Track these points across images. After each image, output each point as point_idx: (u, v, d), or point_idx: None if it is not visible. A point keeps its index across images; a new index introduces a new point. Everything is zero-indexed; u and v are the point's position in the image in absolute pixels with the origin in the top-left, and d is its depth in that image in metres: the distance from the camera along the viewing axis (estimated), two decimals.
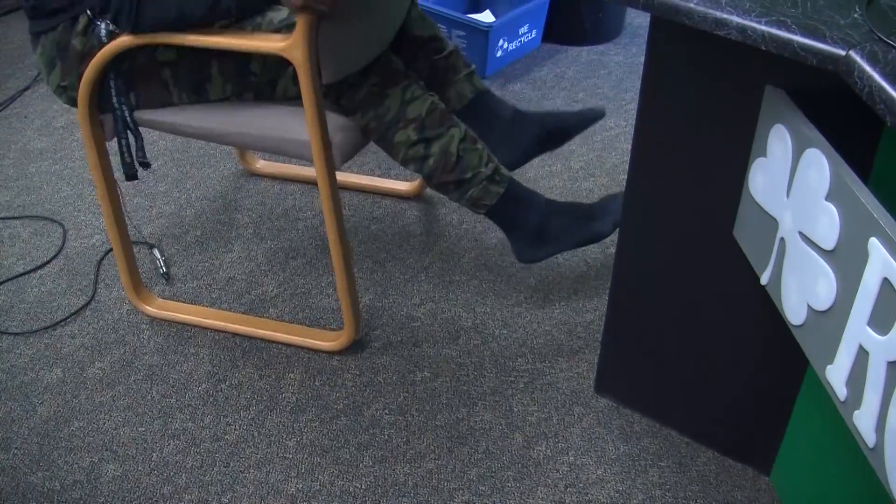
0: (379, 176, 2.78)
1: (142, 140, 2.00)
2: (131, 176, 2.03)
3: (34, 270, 2.43)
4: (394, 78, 1.97)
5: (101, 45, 1.85)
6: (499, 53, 3.32)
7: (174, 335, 2.22)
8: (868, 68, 1.17)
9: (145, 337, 2.22)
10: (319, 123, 1.84)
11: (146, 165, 2.02)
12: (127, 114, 1.96)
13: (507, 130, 2.17)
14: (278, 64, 1.92)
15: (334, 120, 1.96)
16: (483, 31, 3.21)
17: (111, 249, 2.46)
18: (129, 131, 1.97)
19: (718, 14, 1.35)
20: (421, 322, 2.27)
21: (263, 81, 1.95)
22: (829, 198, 1.27)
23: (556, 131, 2.19)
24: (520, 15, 3.33)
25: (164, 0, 1.74)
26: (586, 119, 2.21)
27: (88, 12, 1.89)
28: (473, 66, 2.21)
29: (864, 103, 1.20)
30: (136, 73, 1.93)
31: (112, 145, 2.03)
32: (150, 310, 2.26)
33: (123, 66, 1.92)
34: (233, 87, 1.96)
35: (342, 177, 2.74)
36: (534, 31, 3.48)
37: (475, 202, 2.03)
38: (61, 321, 2.27)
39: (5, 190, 2.74)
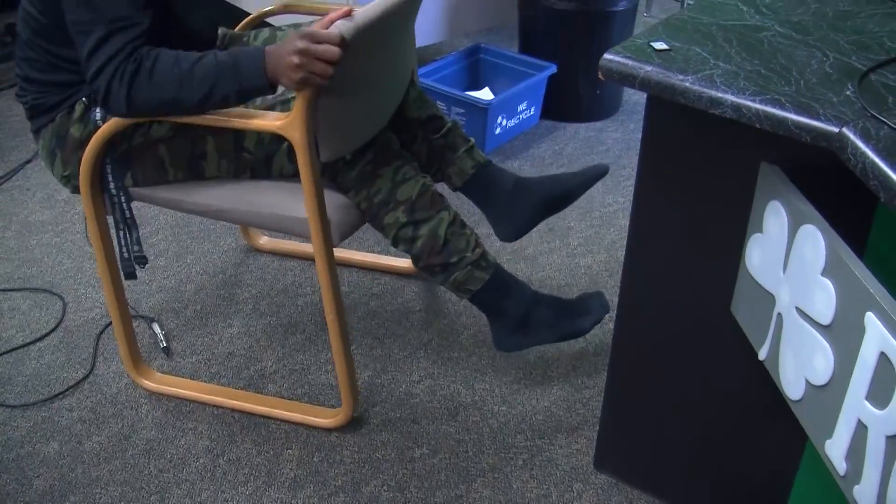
0: (378, 252, 2.79)
1: (137, 232, 2.02)
2: (130, 275, 2.05)
3: (33, 342, 2.43)
4: (387, 157, 1.98)
5: (98, 129, 1.88)
6: (498, 130, 3.36)
7: (172, 410, 2.22)
8: (861, 145, 1.19)
9: (143, 411, 2.21)
10: (317, 202, 1.85)
11: (142, 261, 2.03)
12: (124, 204, 1.98)
13: (509, 202, 2.17)
14: (272, 140, 1.94)
15: (333, 198, 1.97)
16: (482, 109, 3.25)
17: (111, 323, 2.46)
18: (126, 223, 2.00)
19: (713, 93, 1.37)
20: (420, 398, 2.26)
21: (259, 159, 1.97)
22: (825, 273, 1.28)
23: (558, 196, 2.17)
24: (519, 92, 3.37)
25: (158, 84, 1.74)
26: (588, 179, 2.18)
27: (84, 100, 1.92)
28: (472, 141, 2.23)
29: (858, 179, 1.21)
30: (133, 153, 1.95)
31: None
32: (148, 384, 2.26)
33: (120, 148, 1.94)
34: (228, 164, 1.98)
35: (341, 253, 2.75)
36: (532, 108, 3.52)
37: (459, 286, 2.03)
38: (59, 394, 2.26)
39: (6, 262, 2.75)
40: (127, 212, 1.99)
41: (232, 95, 1.75)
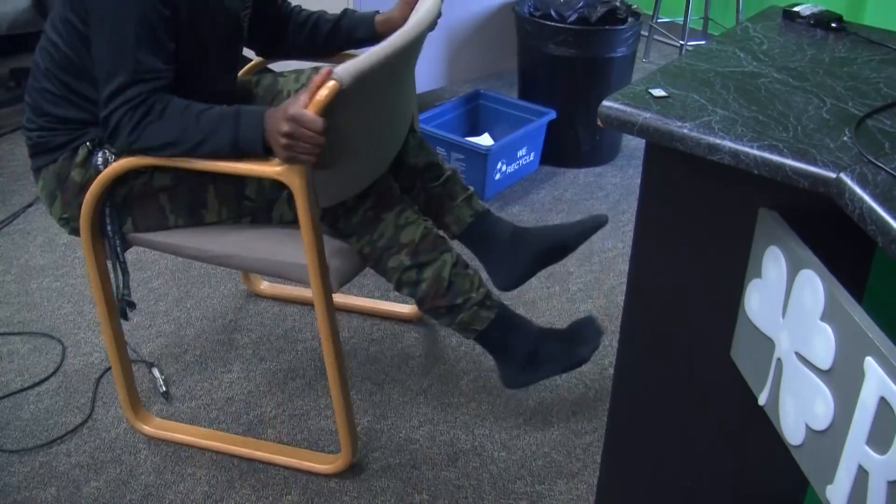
0: (378, 298, 2.80)
1: (128, 277, 2.03)
2: (124, 315, 2.06)
3: (32, 387, 2.42)
4: (389, 202, 1.99)
5: (98, 174, 1.89)
6: (497, 176, 3.37)
7: (171, 455, 2.21)
8: (858, 190, 1.20)
9: (142, 456, 2.20)
10: (317, 248, 1.86)
11: (130, 305, 2.04)
12: (118, 249, 1.99)
13: (507, 251, 2.18)
14: (273, 187, 1.95)
15: (332, 244, 1.98)
16: (482, 155, 3.26)
17: (110, 367, 2.45)
18: (119, 267, 2.01)
19: (711, 139, 1.38)
20: (419, 444, 2.26)
21: (259, 206, 1.98)
22: (824, 318, 1.28)
23: (556, 246, 2.19)
24: (518, 138, 3.39)
25: (166, 124, 1.77)
26: (587, 229, 2.20)
27: (88, 144, 1.93)
28: (471, 189, 2.24)
29: (856, 224, 1.22)
30: (133, 199, 1.96)
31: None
32: (147, 429, 2.25)
33: (120, 193, 1.95)
34: (228, 211, 1.99)
35: (341, 299, 2.75)
36: (532, 154, 3.53)
37: (465, 327, 2.04)
38: (57, 439, 2.25)
39: (6, 306, 2.75)
40: (120, 256, 2.00)
41: (226, 145, 1.77)
